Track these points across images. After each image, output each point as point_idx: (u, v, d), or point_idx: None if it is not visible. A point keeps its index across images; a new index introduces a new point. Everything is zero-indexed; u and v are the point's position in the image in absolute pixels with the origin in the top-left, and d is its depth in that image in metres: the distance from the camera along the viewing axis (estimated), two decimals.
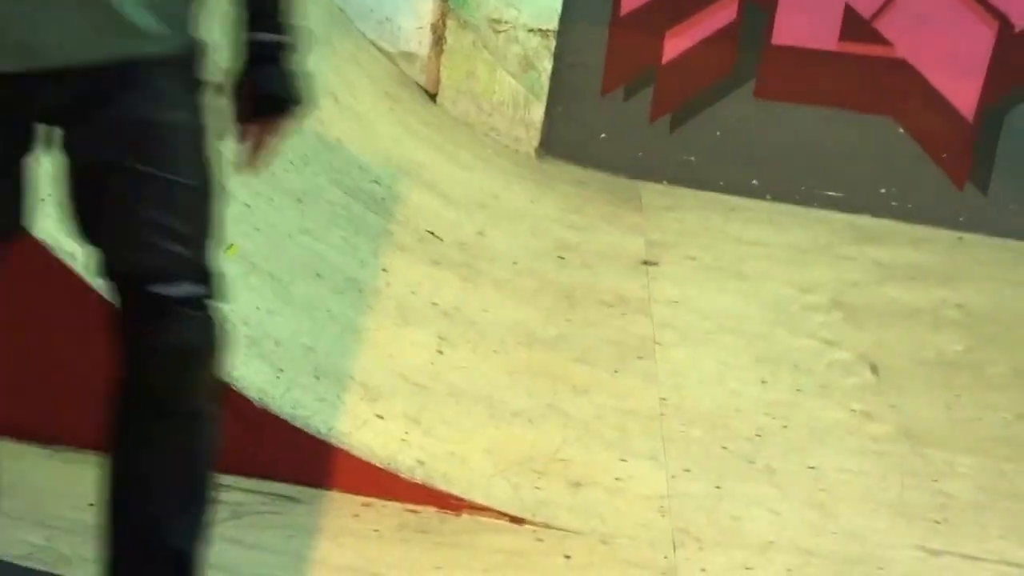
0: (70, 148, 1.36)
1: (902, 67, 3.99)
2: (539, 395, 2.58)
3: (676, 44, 4.14)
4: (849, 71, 4.02)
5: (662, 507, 2.25)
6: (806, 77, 4.05)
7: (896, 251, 3.79)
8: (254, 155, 1.51)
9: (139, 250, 1.38)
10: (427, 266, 2.99)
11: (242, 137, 1.50)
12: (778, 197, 4.07)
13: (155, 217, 1.36)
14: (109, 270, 1.41)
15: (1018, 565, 2.22)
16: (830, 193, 4.07)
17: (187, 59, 1.39)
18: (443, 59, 4.00)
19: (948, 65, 3.95)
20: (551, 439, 2.42)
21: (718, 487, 2.35)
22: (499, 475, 2.26)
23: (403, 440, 2.24)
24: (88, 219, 1.39)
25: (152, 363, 1.42)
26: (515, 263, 3.23)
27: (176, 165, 1.37)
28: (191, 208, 1.40)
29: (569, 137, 4.15)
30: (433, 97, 4.02)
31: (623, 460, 2.39)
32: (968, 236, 3.95)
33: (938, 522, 2.32)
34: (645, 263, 3.47)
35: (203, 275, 1.43)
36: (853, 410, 2.75)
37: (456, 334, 2.72)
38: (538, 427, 2.45)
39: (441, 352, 2.63)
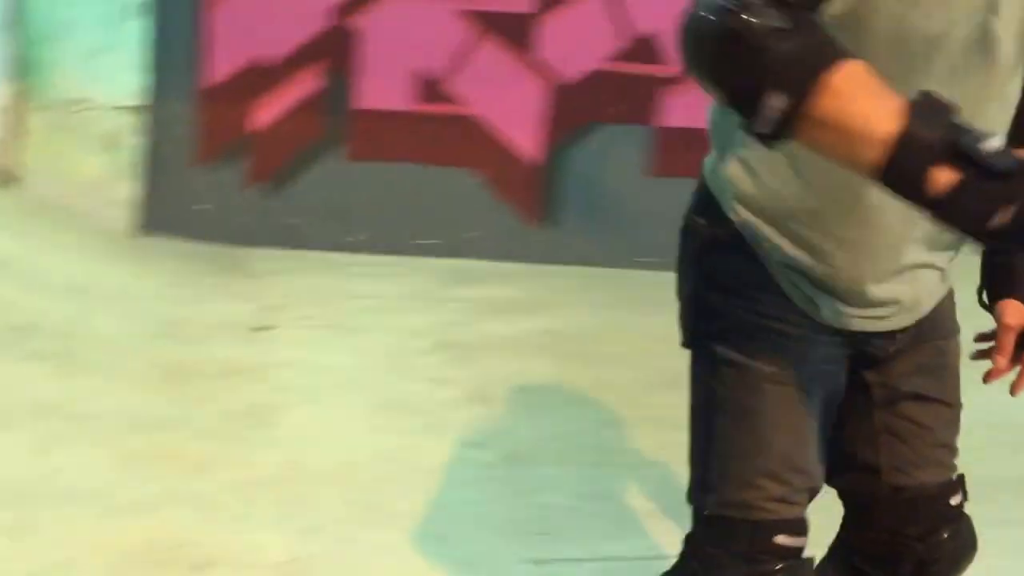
0: (872, 385, 1.56)
1: (473, 123, 4.38)
2: (157, 480, 2.54)
3: (267, 113, 4.25)
4: (428, 129, 4.35)
5: (292, 572, 2.30)
6: (391, 137, 4.33)
7: (488, 289, 4.11)
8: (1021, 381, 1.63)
9: (935, 468, 1.58)
10: (19, 362, 2.84)
11: (1003, 358, 1.61)
12: (379, 250, 4.29)
13: (946, 439, 1.59)
14: (880, 486, 1.57)
15: (618, 558, 2.49)
16: (425, 242, 4.36)
17: (951, 288, 1.58)
18: (24, 142, 3.81)
19: (512, 118, 4.40)
20: (171, 525, 2.39)
21: (346, 540, 2.44)
22: (114, 573, 2.21)
23: (2, 557, 2.13)
24: (878, 445, 1.56)
25: (926, 568, 1.58)
26: (119, 346, 3.15)
27: (955, 388, 1.59)
28: (959, 426, 1.62)
29: (168, 211, 4.10)
30: (14, 182, 3.81)
31: (249, 533, 2.42)
32: (547, 268, 4.36)
33: (542, 534, 2.54)
34: (259, 329, 3.51)
35: (964, 483, 1.63)
36: (465, 443, 2.97)
37: (60, 430, 2.61)
38: (157, 514, 2.42)
39: (45, 453, 2.51)
